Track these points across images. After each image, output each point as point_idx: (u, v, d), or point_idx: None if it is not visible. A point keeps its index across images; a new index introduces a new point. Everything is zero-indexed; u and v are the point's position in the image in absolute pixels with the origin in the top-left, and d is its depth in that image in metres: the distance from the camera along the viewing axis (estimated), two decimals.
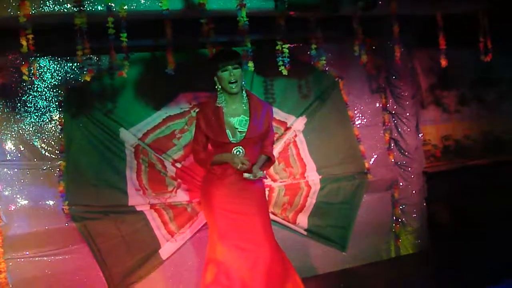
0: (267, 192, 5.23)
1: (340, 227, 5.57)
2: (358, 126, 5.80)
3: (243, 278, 3.98)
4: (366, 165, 5.72)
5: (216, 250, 4.09)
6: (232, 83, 4.07)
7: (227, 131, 4.09)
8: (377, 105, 5.96)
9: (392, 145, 6.01)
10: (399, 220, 5.99)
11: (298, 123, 5.43)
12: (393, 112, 5.99)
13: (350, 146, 5.70)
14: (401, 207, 5.99)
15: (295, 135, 5.43)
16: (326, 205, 5.48)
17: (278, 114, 5.33)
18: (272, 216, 5.20)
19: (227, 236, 4.07)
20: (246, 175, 4.05)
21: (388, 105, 5.98)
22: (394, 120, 5.99)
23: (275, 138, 4.96)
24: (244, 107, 4.18)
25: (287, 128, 5.40)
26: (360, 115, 5.85)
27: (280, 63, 4.51)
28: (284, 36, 4.53)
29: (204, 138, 4.18)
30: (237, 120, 4.14)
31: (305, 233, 5.44)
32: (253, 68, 4.40)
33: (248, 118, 4.15)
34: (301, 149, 5.46)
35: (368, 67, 5.64)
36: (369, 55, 5.23)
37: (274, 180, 5.34)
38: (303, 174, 5.44)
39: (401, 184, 5.99)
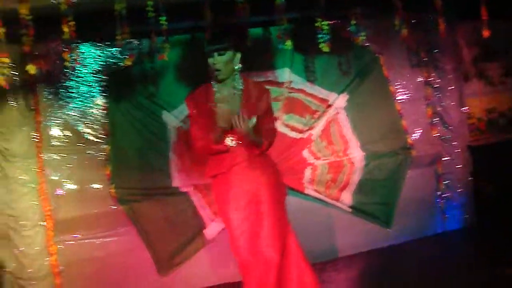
0: (310, 171, 5.26)
1: (385, 204, 5.52)
2: (400, 101, 5.71)
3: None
4: (409, 140, 5.65)
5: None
6: (216, 70, 3.89)
7: (218, 119, 3.92)
8: (419, 79, 5.86)
9: (435, 119, 5.90)
10: (444, 195, 5.91)
11: (340, 100, 5.38)
12: (436, 86, 5.88)
13: (392, 122, 5.63)
14: (445, 182, 5.90)
15: (337, 113, 5.39)
16: (370, 182, 5.44)
17: (319, 91, 5.32)
18: (315, 194, 5.27)
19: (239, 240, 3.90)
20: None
21: (430, 79, 5.88)
22: (437, 94, 5.89)
23: (307, 117, 5.07)
24: (236, 94, 3.98)
25: (329, 106, 5.36)
26: (402, 90, 5.76)
27: (321, 40, 4.46)
28: (323, 13, 4.48)
29: (198, 125, 4.00)
30: (227, 107, 3.96)
31: (349, 210, 5.42)
32: (291, 47, 4.37)
33: (239, 105, 3.94)
34: (343, 126, 5.42)
35: (408, 41, 5.53)
36: (410, 30, 5.13)
37: (317, 158, 5.32)
38: (346, 151, 5.41)
39: (445, 158, 5.90)
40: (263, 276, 3.80)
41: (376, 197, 5.51)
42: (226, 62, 3.88)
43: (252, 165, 3.92)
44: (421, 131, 5.81)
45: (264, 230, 3.86)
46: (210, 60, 3.89)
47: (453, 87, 5.88)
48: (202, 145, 3.95)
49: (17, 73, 4.55)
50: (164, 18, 4.06)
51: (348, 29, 4.89)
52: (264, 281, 3.80)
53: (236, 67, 3.97)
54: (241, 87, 3.99)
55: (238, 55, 3.95)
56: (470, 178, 6.03)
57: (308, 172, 5.29)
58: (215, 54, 3.86)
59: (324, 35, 4.45)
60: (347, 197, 5.39)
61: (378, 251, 5.55)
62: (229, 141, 3.89)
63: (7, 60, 3.90)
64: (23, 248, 4.65)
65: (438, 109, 5.90)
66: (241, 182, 3.91)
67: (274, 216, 3.90)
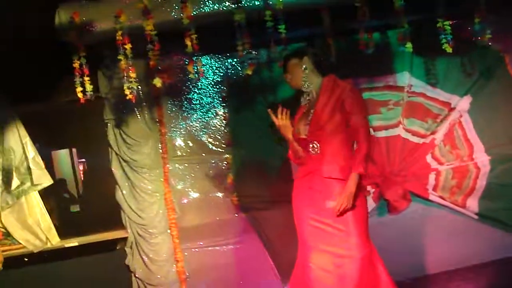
0: (433, 176, 5.10)
1: None
2: None
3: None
4: None
5: (302, 265, 3.74)
6: (289, 82, 3.80)
7: (297, 127, 3.75)
8: None
9: None
10: None
11: (463, 103, 5.20)
12: None
13: None
14: None
15: (460, 116, 5.21)
16: (498, 187, 5.19)
17: (440, 94, 5.18)
18: (440, 200, 5.10)
19: (309, 251, 3.66)
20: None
21: None
22: None
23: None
24: (312, 97, 3.75)
25: (451, 109, 5.19)
26: None
27: (444, 40, 4.33)
28: (445, 13, 4.35)
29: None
30: (310, 113, 3.71)
31: (476, 217, 5.20)
32: (411, 49, 4.27)
33: (314, 108, 3.69)
34: (467, 130, 5.22)
35: None
36: None
37: (441, 164, 5.17)
38: (471, 155, 5.21)
39: None
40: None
41: (504, 203, 5.24)
42: (292, 69, 3.73)
43: (329, 173, 3.60)
44: None
45: (338, 237, 3.57)
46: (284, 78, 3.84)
47: None
48: (290, 157, 3.91)
49: (142, 87, 4.75)
50: (283, 26, 4.10)
51: (470, 28, 4.72)
52: None
53: (306, 70, 3.72)
54: (310, 88, 3.73)
55: (305, 58, 3.72)
56: None
57: (432, 178, 5.14)
58: (285, 74, 3.80)
59: (447, 35, 4.33)
60: (473, 204, 5.17)
61: (508, 260, 5.27)
62: (310, 149, 3.67)
63: (134, 74, 4.09)
64: (151, 255, 4.83)
65: None
66: (317, 186, 3.65)
67: (353, 225, 3.58)
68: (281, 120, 3.76)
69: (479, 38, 4.67)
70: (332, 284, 3.53)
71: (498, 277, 5.00)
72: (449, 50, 4.35)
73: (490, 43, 5.14)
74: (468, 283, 4.86)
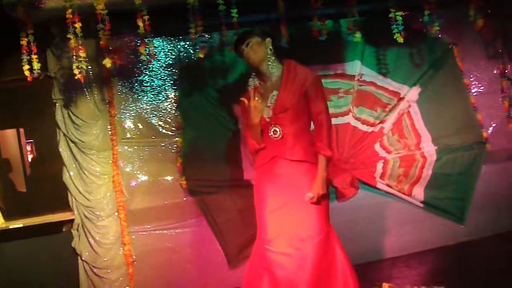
0: (381, 165, 5.18)
1: (458, 199, 5.38)
2: (475, 94, 5.55)
3: (289, 281, 3.57)
4: (484, 134, 5.47)
5: (260, 251, 3.72)
6: (248, 61, 3.74)
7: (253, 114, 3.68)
8: (495, 71, 5.67)
9: None
10: None
11: (412, 93, 5.29)
12: None
13: (466, 115, 5.48)
14: None
15: (409, 106, 5.30)
16: (443, 176, 5.30)
17: (390, 84, 5.26)
18: (387, 188, 5.17)
19: (270, 236, 3.66)
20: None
21: (506, 71, 5.67)
22: None
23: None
24: (277, 80, 3.76)
25: (400, 99, 5.27)
26: (477, 82, 5.59)
27: (395, 31, 4.40)
28: (397, 4, 4.41)
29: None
30: (270, 96, 3.75)
31: (421, 205, 5.31)
32: (359, 39, 4.32)
33: (277, 91, 3.73)
34: (415, 120, 5.31)
35: (484, 32, 5.35)
36: (485, 20, 4.97)
37: (389, 152, 5.24)
38: (418, 145, 5.30)
39: None
40: (295, 272, 3.56)
41: (449, 192, 5.37)
42: (256, 48, 3.70)
43: (294, 155, 3.67)
44: (497, 125, 5.61)
45: (300, 220, 3.62)
46: (243, 54, 3.74)
47: None
48: (251, 144, 3.81)
49: (92, 67, 4.67)
50: (235, 10, 4.10)
51: (421, 20, 4.79)
52: (296, 277, 3.55)
53: (269, 51, 3.73)
54: (276, 71, 3.75)
55: (269, 39, 3.73)
56: None
57: (379, 166, 5.20)
58: (243, 47, 3.71)
59: (398, 26, 4.39)
60: (419, 192, 5.27)
61: (450, 248, 5.42)
62: (272, 132, 3.71)
63: (83, 54, 4.01)
64: (98, 238, 4.78)
65: None
66: (281, 170, 3.69)
67: (314, 208, 3.64)
68: (255, 102, 3.65)
69: (429, 30, 4.76)
70: (292, 267, 3.57)
71: (439, 263, 5.15)
72: (401, 40, 4.42)
73: (440, 35, 5.27)
74: (411, 269, 4.98)
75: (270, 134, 3.72)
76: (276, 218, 3.67)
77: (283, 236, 3.63)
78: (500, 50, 5.66)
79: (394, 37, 4.42)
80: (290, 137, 3.68)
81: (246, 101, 3.69)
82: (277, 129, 3.69)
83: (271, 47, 3.74)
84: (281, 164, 3.69)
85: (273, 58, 3.76)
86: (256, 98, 3.65)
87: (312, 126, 3.78)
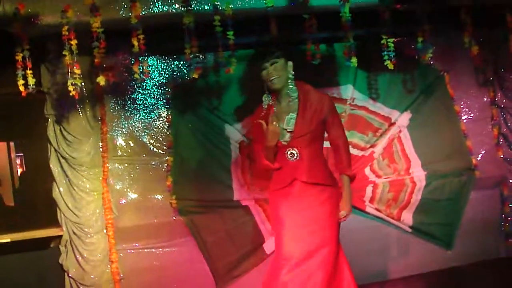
0: (371, 189, 5.20)
1: (446, 225, 5.39)
2: (465, 121, 5.60)
3: None
4: (474, 161, 5.50)
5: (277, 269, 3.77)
6: (271, 80, 3.76)
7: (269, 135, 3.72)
8: (485, 99, 5.72)
9: (501, 140, 5.75)
10: (509, 218, 5.73)
11: (403, 119, 5.32)
12: (502, 106, 5.73)
13: (456, 142, 5.51)
14: (510, 205, 5.72)
15: (400, 131, 5.33)
16: (431, 202, 5.32)
17: (382, 109, 5.28)
18: (376, 213, 5.19)
19: (286, 255, 3.73)
20: (342, 213, 3.81)
21: (496, 99, 5.73)
22: (503, 115, 5.74)
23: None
24: (293, 103, 3.84)
25: (391, 124, 5.31)
26: (467, 109, 5.64)
27: (386, 57, 4.45)
28: (390, 30, 4.46)
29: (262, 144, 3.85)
30: (286, 119, 3.81)
31: (409, 230, 5.32)
32: (356, 64, 4.36)
33: (295, 115, 3.80)
34: (405, 145, 5.34)
35: (476, 59, 5.41)
36: (478, 47, 5.04)
37: (379, 176, 5.26)
38: (408, 170, 5.32)
39: (510, 181, 5.73)
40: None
41: (437, 218, 5.39)
42: (280, 70, 3.78)
43: (311, 178, 3.77)
44: (486, 152, 5.66)
45: (316, 240, 3.73)
46: (264, 73, 3.80)
47: None
48: (265, 164, 3.87)
49: (86, 84, 4.69)
50: (231, 32, 4.14)
51: (413, 46, 4.84)
52: None
53: (290, 75, 3.84)
54: (295, 94, 3.83)
55: (290, 63, 3.84)
56: None
57: (369, 190, 5.23)
58: (268, 65, 3.78)
59: (389, 52, 4.44)
60: (407, 217, 5.28)
61: (437, 273, 5.42)
62: (289, 155, 3.79)
63: (78, 71, 4.03)
64: (86, 255, 4.75)
65: (504, 130, 5.74)
66: (299, 192, 3.79)
67: (329, 228, 3.78)
68: (273, 126, 3.69)
69: (422, 56, 4.80)
70: (304, 284, 3.64)
71: None
72: (391, 66, 4.48)
73: (432, 62, 5.32)
74: None
75: (286, 156, 3.79)
76: (293, 237, 3.74)
77: (298, 254, 3.69)
78: (491, 78, 5.71)
79: (385, 64, 4.47)
80: (306, 159, 3.77)
81: (264, 124, 3.73)
82: (294, 152, 3.77)
83: (292, 72, 3.84)
84: (297, 187, 3.78)
85: (294, 82, 3.84)
86: (274, 123, 3.70)
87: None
